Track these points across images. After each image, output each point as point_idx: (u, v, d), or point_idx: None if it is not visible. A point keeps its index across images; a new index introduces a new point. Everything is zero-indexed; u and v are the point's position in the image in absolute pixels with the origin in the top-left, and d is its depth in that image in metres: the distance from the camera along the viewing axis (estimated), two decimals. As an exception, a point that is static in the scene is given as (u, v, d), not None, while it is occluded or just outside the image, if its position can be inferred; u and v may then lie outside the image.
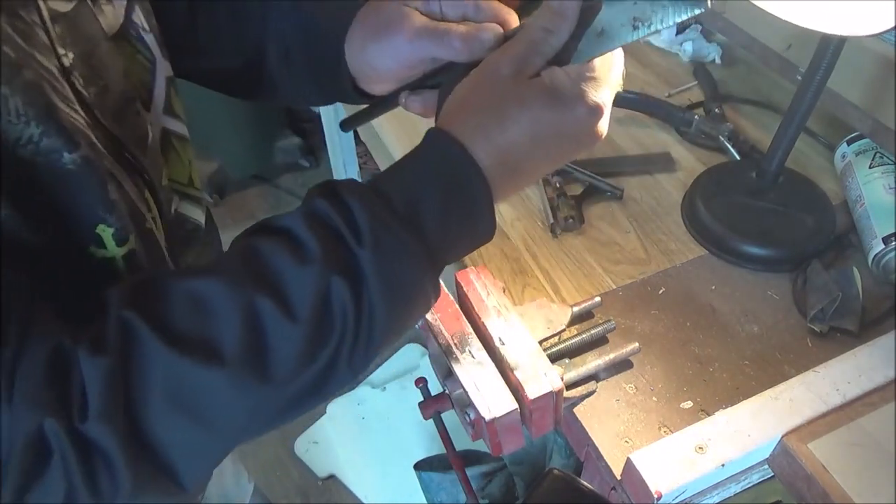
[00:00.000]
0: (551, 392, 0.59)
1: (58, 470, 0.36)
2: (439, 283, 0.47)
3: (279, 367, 0.40)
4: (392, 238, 0.42)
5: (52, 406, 0.36)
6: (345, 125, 0.65)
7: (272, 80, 0.62)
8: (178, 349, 0.38)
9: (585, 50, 0.44)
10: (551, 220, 0.82)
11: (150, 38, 0.54)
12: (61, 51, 0.43)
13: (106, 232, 0.44)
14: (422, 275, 0.44)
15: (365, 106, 0.61)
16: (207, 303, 0.39)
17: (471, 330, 0.64)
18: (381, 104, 0.59)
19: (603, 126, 0.46)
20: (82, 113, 0.43)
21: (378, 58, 0.54)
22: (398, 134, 0.98)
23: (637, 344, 0.66)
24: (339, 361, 0.42)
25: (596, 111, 0.44)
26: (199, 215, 0.60)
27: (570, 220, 0.82)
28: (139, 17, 0.53)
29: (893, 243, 0.73)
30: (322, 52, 0.57)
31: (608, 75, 0.45)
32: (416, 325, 0.67)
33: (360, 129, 1.14)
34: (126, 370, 0.37)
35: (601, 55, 0.44)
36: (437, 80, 0.53)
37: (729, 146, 0.91)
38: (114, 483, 0.37)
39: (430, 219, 0.43)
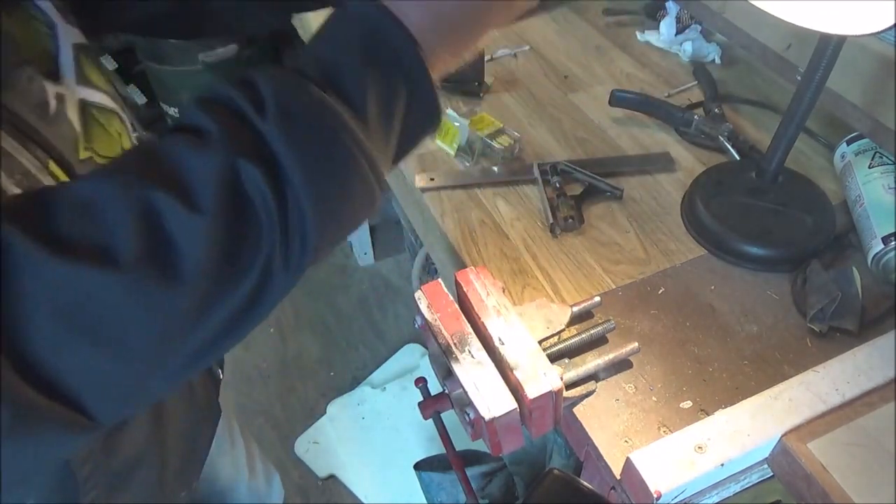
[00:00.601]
0: (551, 392, 0.59)
1: None
2: (378, 165, 0.41)
3: (189, 267, 0.35)
4: (302, 105, 0.37)
5: None
6: None
7: (215, 5, 0.59)
8: (64, 257, 0.33)
9: None
10: (551, 220, 0.82)
11: (45, 5, 0.51)
12: None
13: None
14: (351, 145, 0.39)
15: None
16: (94, 204, 0.35)
17: (470, 330, 0.64)
18: None
19: None
20: None
21: None
22: (398, 134, 0.98)
23: (637, 344, 0.66)
24: (272, 260, 0.37)
25: None
26: None
27: (570, 220, 0.82)
28: None
29: (893, 243, 0.73)
30: None
31: None
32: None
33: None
34: (1, 287, 0.33)
35: None
36: None
37: (728, 146, 0.91)
38: None
39: (349, 79, 0.39)
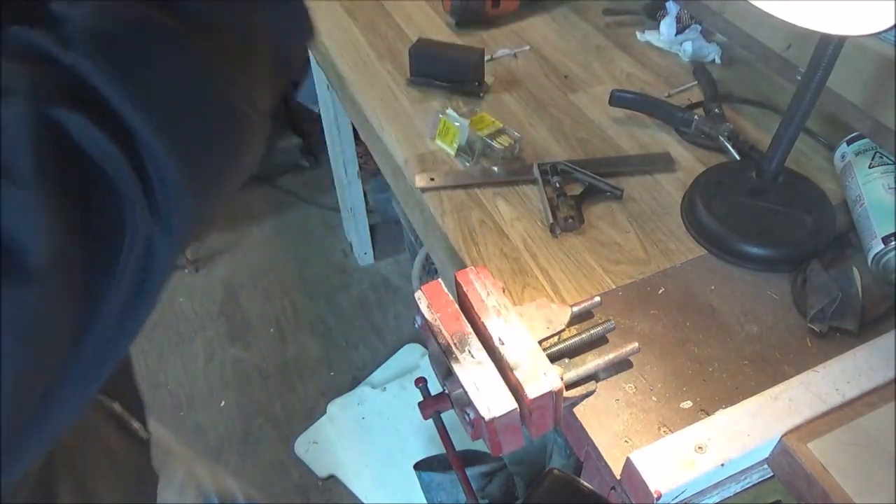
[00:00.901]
0: (551, 392, 0.59)
1: None
2: (242, 84, 0.34)
3: (32, 254, 0.28)
4: (119, 27, 0.31)
5: None
6: None
7: None
8: None
9: None
10: (551, 220, 0.82)
11: None
12: None
13: None
14: (195, 64, 0.32)
15: None
16: None
17: (470, 330, 0.64)
18: None
19: None
20: None
21: None
22: (398, 135, 0.99)
23: (637, 344, 0.66)
24: (144, 218, 0.31)
25: None
26: None
27: (570, 220, 0.82)
28: None
29: (893, 243, 0.73)
30: None
31: None
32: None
33: (360, 129, 1.14)
34: None
35: None
36: None
37: (729, 146, 0.91)
38: None
39: None
